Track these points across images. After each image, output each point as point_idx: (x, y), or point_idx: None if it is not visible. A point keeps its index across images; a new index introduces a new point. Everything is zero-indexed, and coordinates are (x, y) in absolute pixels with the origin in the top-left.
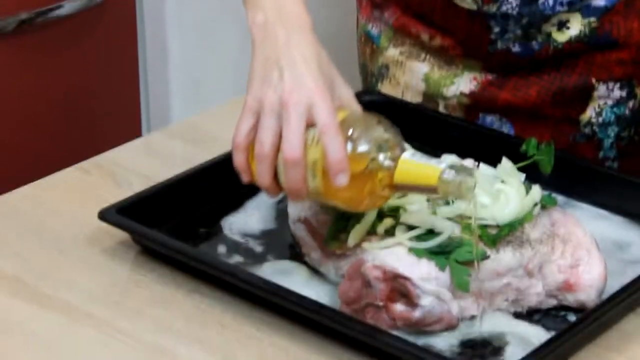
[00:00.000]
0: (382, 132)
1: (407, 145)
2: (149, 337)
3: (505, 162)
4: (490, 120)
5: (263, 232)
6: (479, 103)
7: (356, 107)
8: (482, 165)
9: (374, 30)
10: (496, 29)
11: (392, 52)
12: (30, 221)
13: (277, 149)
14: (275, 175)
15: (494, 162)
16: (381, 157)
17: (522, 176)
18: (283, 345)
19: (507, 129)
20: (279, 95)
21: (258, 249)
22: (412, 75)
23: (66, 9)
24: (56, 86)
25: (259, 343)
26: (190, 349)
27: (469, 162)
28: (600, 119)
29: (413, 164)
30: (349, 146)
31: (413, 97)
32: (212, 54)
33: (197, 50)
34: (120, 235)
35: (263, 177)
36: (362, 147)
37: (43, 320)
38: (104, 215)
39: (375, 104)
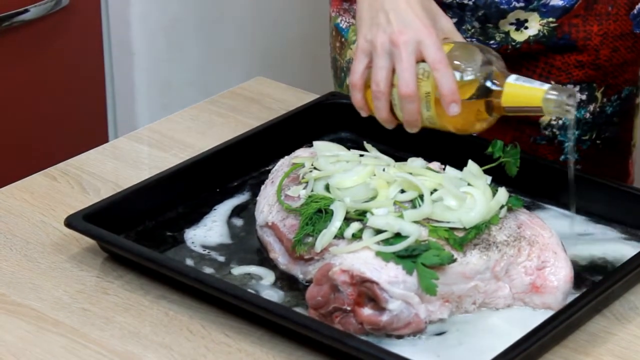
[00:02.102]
0: (486, 59)
1: (508, 72)
2: (117, 343)
3: (472, 165)
4: None
5: (222, 245)
6: None
7: (458, 37)
8: (448, 168)
9: (342, 23)
10: (453, 20)
11: None
12: None
13: (391, 85)
14: (391, 108)
15: (460, 165)
16: (488, 83)
17: (489, 179)
18: (251, 350)
19: None
20: (388, 36)
21: (220, 258)
22: None
23: (31, 13)
24: (22, 91)
25: (227, 349)
26: (159, 355)
27: (434, 165)
28: (560, 122)
29: (518, 87)
30: (458, 76)
31: None
32: (179, 58)
33: (164, 55)
34: (88, 241)
35: (381, 112)
36: (470, 76)
37: (10, 328)
38: (70, 222)
39: (341, 106)
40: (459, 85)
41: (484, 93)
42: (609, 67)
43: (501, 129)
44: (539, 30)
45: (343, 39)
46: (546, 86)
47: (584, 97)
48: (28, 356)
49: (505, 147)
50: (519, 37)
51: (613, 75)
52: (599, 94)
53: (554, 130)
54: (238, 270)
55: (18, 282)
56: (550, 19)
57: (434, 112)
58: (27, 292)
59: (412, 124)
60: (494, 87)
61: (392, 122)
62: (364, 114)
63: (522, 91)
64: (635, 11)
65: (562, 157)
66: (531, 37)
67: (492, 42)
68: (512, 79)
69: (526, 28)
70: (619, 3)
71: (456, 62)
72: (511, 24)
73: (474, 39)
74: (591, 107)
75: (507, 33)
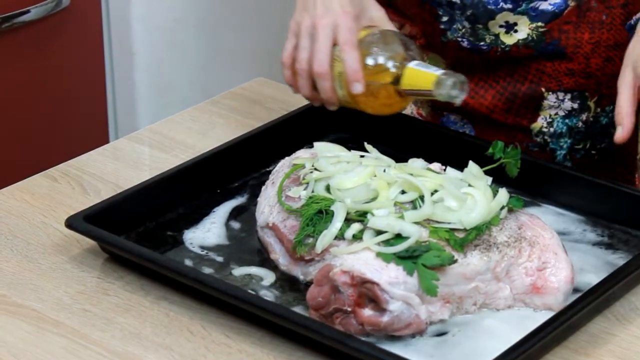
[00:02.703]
0: (396, 46)
1: (418, 59)
2: (117, 344)
3: (472, 166)
4: (454, 119)
5: (221, 246)
6: (440, 101)
7: (387, 26)
8: (448, 168)
9: None
10: (444, 18)
11: None
12: None
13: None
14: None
15: (460, 166)
16: (392, 66)
17: (489, 179)
18: (252, 351)
19: (468, 130)
20: (312, 19)
21: (220, 259)
22: None
23: (32, 14)
24: (22, 92)
25: (227, 349)
26: (159, 356)
27: (435, 166)
28: (552, 129)
29: (416, 71)
30: (368, 59)
31: None
32: (180, 59)
33: (164, 55)
34: (88, 242)
35: (303, 88)
36: (378, 59)
37: (11, 329)
38: (71, 223)
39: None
40: (368, 67)
41: (388, 76)
42: (601, 77)
43: (495, 135)
44: (528, 35)
45: None
46: (439, 72)
47: (575, 105)
48: (29, 357)
49: (506, 148)
50: (509, 40)
51: (607, 85)
52: (591, 104)
53: (545, 137)
54: (239, 271)
55: (19, 283)
56: (540, 24)
57: (345, 92)
58: (28, 293)
59: (329, 102)
60: (396, 71)
61: (316, 100)
62: (293, 91)
63: (418, 75)
64: (632, 22)
65: None
66: (520, 41)
67: (482, 43)
68: (413, 64)
69: (516, 31)
70: (614, 12)
71: (368, 46)
72: (501, 26)
73: (464, 40)
74: (584, 116)
75: (497, 35)
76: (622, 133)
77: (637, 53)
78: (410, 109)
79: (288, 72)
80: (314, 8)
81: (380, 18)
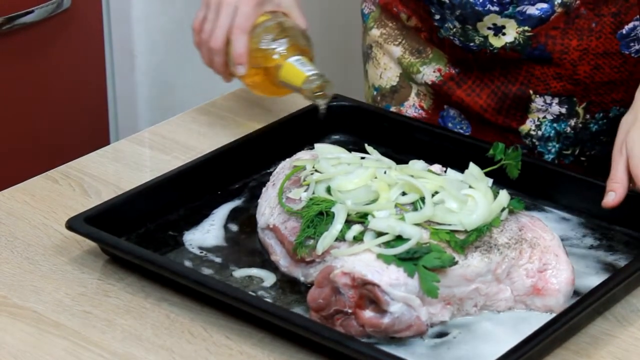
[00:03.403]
0: (285, 38)
1: (304, 55)
2: (118, 346)
3: (473, 167)
4: (453, 114)
5: (221, 247)
6: (440, 95)
7: (294, 13)
8: (449, 170)
9: (365, 9)
10: (437, 16)
11: (375, 33)
12: None
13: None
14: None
15: (461, 167)
16: (274, 56)
17: (490, 181)
18: (253, 353)
19: (465, 126)
20: None
21: (219, 260)
22: (389, 57)
23: (33, 15)
24: (23, 93)
25: (228, 351)
26: (160, 358)
27: (436, 168)
28: (540, 133)
29: (292, 67)
30: (264, 44)
31: (391, 78)
32: (180, 60)
33: (165, 57)
34: (89, 244)
35: (204, 57)
36: (265, 46)
37: (12, 331)
38: (71, 225)
39: (343, 108)
40: (256, 52)
41: (270, 64)
42: (590, 84)
43: (489, 134)
44: (515, 38)
45: (364, 25)
46: (311, 72)
47: (563, 110)
48: (29, 359)
49: (507, 150)
50: (497, 42)
51: (596, 92)
52: (580, 109)
53: (534, 140)
54: (239, 273)
55: (19, 285)
56: (526, 28)
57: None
58: (29, 295)
59: (222, 75)
60: (278, 62)
61: (214, 69)
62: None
63: (293, 71)
64: (623, 31)
65: None
66: (508, 44)
67: (471, 44)
68: (293, 59)
69: (504, 34)
70: (604, 21)
71: (259, 32)
72: (489, 28)
73: (455, 39)
74: (572, 122)
75: (486, 37)
76: (612, 201)
77: (629, 124)
78: (412, 101)
79: (196, 37)
80: None
81: (288, 5)
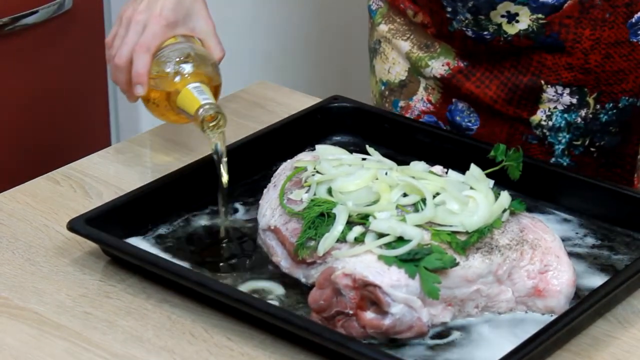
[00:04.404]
0: (189, 63)
1: (206, 83)
2: (119, 347)
3: (474, 168)
4: (462, 107)
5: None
6: (449, 88)
7: (209, 40)
8: (450, 171)
9: (373, 5)
10: (449, 9)
11: (383, 28)
12: None
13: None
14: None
15: (462, 169)
16: (176, 80)
17: (491, 182)
18: (254, 354)
19: (474, 119)
20: (132, 12)
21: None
22: (398, 52)
23: (34, 16)
24: (24, 94)
25: (229, 352)
26: (161, 359)
27: (437, 169)
28: (550, 123)
29: (189, 93)
30: (155, 67)
31: (399, 73)
32: None
33: None
34: (90, 245)
35: (112, 74)
36: (166, 70)
37: (13, 332)
38: (73, 226)
39: (344, 109)
40: (158, 74)
41: (169, 88)
42: (601, 74)
43: (498, 125)
44: (529, 25)
45: (372, 21)
46: (205, 101)
47: (574, 100)
48: None
49: (508, 151)
50: (511, 30)
51: (607, 82)
52: (590, 100)
53: (544, 130)
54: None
55: (20, 286)
56: (540, 15)
57: None
58: (30, 296)
59: (126, 95)
60: (177, 86)
61: (120, 88)
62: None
63: (190, 98)
64: (633, 19)
65: (553, 159)
66: (521, 31)
67: (485, 32)
68: (192, 85)
69: (517, 22)
70: (617, 11)
71: (163, 55)
72: (502, 16)
73: (468, 30)
74: (582, 112)
75: (500, 25)
76: None
77: None
78: (421, 95)
79: (107, 52)
80: (140, 2)
81: (204, 31)
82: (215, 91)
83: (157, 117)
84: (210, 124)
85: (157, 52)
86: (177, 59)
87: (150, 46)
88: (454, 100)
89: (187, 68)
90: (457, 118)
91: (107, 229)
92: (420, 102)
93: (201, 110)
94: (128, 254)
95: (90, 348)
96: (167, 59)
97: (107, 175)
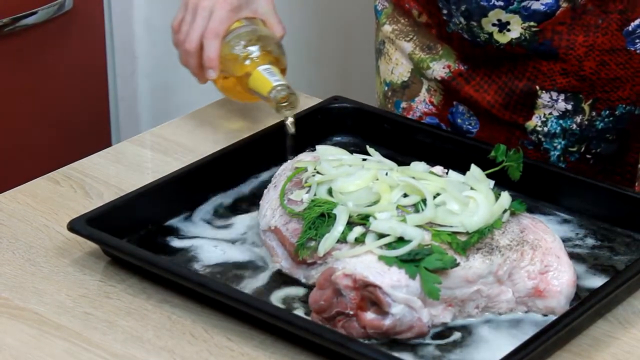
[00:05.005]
0: (257, 45)
1: (275, 64)
2: (119, 347)
3: (474, 169)
4: (462, 110)
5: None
6: (450, 91)
7: (271, 19)
8: (450, 172)
9: (379, 6)
10: (444, 11)
11: (387, 29)
12: (0, 232)
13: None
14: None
15: (462, 169)
16: (246, 63)
17: (491, 183)
18: (254, 354)
19: (474, 122)
20: None
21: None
22: (401, 53)
23: (34, 17)
24: (25, 95)
25: (229, 352)
26: (161, 359)
27: (437, 169)
28: (546, 129)
29: (261, 75)
30: (226, 50)
31: (402, 74)
32: None
33: (167, 58)
34: (90, 245)
35: (180, 58)
36: (236, 53)
37: (13, 332)
38: (73, 226)
39: (344, 110)
40: (228, 57)
41: (240, 71)
42: (596, 81)
43: (495, 130)
44: (521, 34)
45: (377, 21)
46: (278, 83)
47: (569, 106)
48: None
49: (508, 152)
50: (502, 39)
51: (602, 89)
52: (586, 106)
53: (540, 136)
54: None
55: (21, 286)
56: (532, 23)
57: None
58: (30, 296)
59: (197, 77)
60: (247, 68)
61: (190, 71)
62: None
63: (261, 79)
64: (630, 28)
65: None
66: (514, 40)
67: (477, 40)
68: (262, 67)
69: (509, 30)
70: (610, 17)
71: (233, 38)
72: (494, 24)
73: (463, 33)
74: (578, 119)
75: (491, 34)
76: None
77: None
78: (423, 97)
79: (174, 37)
80: None
81: (265, 12)
82: (282, 70)
83: (228, 97)
84: (284, 104)
85: (225, 36)
86: (245, 42)
87: (218, 31)
88: (455, 102)
89: (256, 50)
90: (459, 120)
91: (108, 229)
92: (422, 104)
93: (274, 92)
94: (128, 255)
95: (91, 348)
96: (236, 43)
97: (107, 176)
